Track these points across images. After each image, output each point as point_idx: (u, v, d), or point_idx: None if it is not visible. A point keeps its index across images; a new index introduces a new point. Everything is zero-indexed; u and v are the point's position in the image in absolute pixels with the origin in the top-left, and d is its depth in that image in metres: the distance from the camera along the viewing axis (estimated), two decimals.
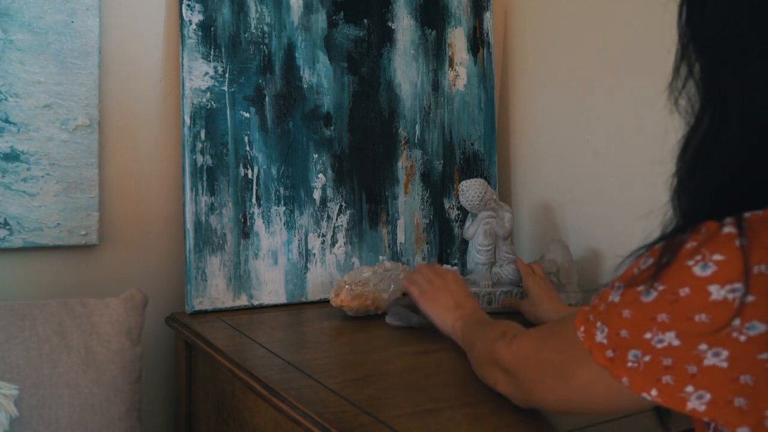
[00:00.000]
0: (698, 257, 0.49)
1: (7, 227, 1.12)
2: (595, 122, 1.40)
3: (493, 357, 0.79)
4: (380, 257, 1.38)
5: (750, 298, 0.47)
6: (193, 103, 1.22)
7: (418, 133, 1.45)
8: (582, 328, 0.58)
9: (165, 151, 1.27)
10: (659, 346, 0.50)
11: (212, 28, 1.25)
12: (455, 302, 1.02)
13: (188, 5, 1.23)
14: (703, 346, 0.48)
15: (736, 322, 0.47)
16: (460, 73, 1.51)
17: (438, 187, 1.47)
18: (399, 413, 0.79)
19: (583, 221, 1.43)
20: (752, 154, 0.51)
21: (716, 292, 0.48)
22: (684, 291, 0.49)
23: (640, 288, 0.52)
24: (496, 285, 1.30)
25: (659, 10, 1.26)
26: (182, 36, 1.22)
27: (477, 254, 1.31)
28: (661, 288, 0.51)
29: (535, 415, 0.79)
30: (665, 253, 0.51)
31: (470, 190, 1.29)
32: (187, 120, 1.22)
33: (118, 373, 1.03)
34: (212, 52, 1.24)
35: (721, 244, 0.49)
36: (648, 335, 0.51)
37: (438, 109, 1.48)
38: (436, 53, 1.48)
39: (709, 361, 0.48)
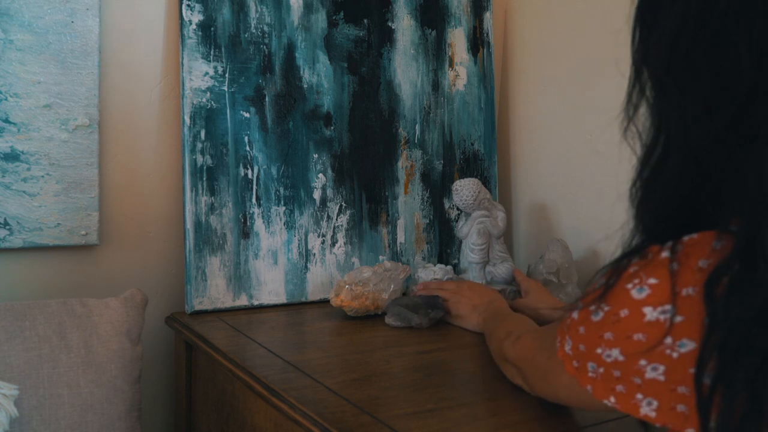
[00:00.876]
0: (636, 281, 0.53)
1: (7, 227, 1.12)
2: (595, 122, 1.40)
3: (503, 354, 0.88)
4: (380, 257, 1.38)
5: (678, 319, 0.50)
6: (193, 103, 1.22)
7: (418, 133, 1.45)
8: (558, 338, 0.63)
9: (165, 151, 1.27)
10: (608, 360, 0.55)
11: (212, 28, 1.25)
12: (472, 305, 1.15)
13: (188, 5, 1.23)
14: (643, 362, 0.52)
15: (668, 340, 0.51)
16: (460, 73, 1.51)
17: (438, 187, 1.47)
18: (399, 413, 0.79)
19: (582, 221, 1.43)
20: (693, 186, 0.55)
21: (650, 313, 0.52)
22: (624, 312, 0.54)
23: (591, 308, 0.57)
24: (490, 284, 1.31)
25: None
26: (182, 36, 1.22)
27: (471, 253, 1.32)
28: (606, 309, 0.55)
29: (534, 415, 0.79)
30: (612, 275, 0.56)
31: (464, 189, 1.30)
32: (187, 120, 1.22)
33: (118, 373, 1.03)
34: (212, 52, 1.24)
35: (655, 269, 0.53)
36: (599, 350, 0.56)
37: (438, 109, 1.48)
38: (436, 53, 1.48)
39: (649, 374, 0.52)
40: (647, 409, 0.52)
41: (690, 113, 0.53)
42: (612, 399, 0.55)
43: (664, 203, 0.57)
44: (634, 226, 0.58)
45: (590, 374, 0.57)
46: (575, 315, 0.59)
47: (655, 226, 0.57)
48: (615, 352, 0.54)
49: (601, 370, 0.56)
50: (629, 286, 0.54)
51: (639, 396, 0.53)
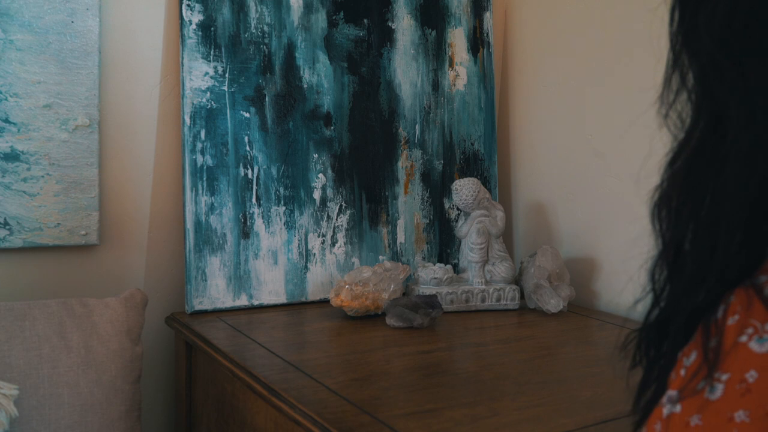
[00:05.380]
0: (749, 330, 0.40)
1: (7, 227, 1.12)
2: (595, 122, 1.40)
3: None
4: (380, 257, 1.38)
5: None
6: (193, 103, 1.22)
7: (418, 133, 1.45)
8: None
9: (165, 151, 1.27)
10: None
11: (212, 28, 1.25)
12: None
13: (188, 5, 1.23)
14: None
15: None
16: (460, 73, 1.51)
17: (438, 187, 1.47)
18: (399, 413, 0.79)
19: (582, 220, 1.43)
20: (760, 183, 0.42)
21: None
22: (751, 376, 0.39)
23: (700, 385, 0.41)
24: (489, 283, 1.31)
25: (658, 10, 1.26)
26: (182, 36, 1.22)
27: (470, 252, 1.32)
28: (725, 378, 0.40)
29: (534, 415, 0.79)
30: (707, 335, 0.42)
31: (464, 189, 1.30)
32: (187, 120, 1.22)
33: (118, 373, 1.03)
34: (212, 52, 1.24)
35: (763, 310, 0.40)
36: None
37: (438, 109, 1.48)
38: (436, 53, 1.48)
39: None
40: None
41: (753, 96, 0.41)
42: None
43: (732, 216, 0.42)
44: (664, 231, 0.45)
45: None
46: (675, 409, 0.42)
47: (729, 250, 0.42)
48: None
49: None
50: (743, 339, 0.40)
51: None
